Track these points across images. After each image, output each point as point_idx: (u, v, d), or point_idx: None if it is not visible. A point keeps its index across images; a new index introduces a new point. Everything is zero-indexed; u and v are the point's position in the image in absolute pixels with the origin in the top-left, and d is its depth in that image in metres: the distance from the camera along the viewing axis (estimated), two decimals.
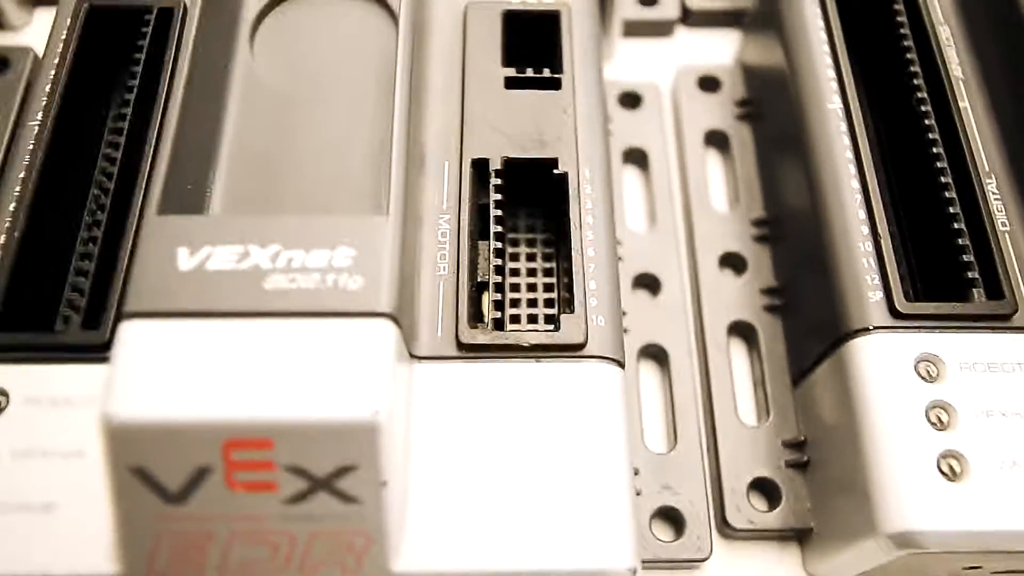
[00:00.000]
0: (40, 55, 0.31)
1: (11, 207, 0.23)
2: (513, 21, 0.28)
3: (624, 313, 0.26)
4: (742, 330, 0.29)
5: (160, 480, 0.17)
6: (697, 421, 0.27)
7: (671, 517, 0.25)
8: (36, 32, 0.35)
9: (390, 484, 0.18)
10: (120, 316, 0.20)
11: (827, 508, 0.24)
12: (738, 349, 0.29)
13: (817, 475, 0.25)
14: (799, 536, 0.25)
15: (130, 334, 0.18)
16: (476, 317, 0.22)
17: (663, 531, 0.25)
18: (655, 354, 0.28)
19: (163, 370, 0.18)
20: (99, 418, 0.17)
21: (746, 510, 0.25)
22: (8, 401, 0.20)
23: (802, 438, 0.26)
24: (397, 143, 0.23)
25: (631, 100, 0.33)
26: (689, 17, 0.36)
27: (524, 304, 0.24)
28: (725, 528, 0.25)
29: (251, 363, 0.18)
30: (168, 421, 0.17)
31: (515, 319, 0.24)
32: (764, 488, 0.25)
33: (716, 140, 0.32)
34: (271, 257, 0.19)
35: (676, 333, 0.29)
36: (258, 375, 0.18)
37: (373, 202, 0.23)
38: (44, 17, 0.35)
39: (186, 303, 0.19)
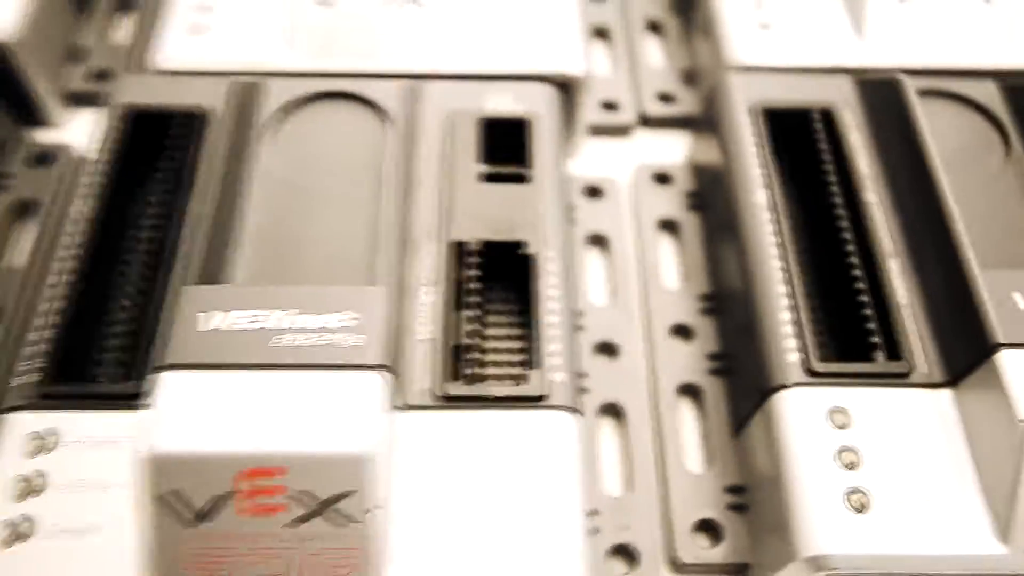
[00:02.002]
0: (79, 151, 0.33)
1: (61, 281, 0.25)
2: (490, 126, 0.30)
3: (586, 375, 0.29)
4: (691, 390, 0.30)
5: (190, 502, 0.19)
6: (651, 468, 0.28)
7: (627, 553, 0.26)
8: (75, 129, 0.36)
9: (379, 508, 0.20)
10: (152, 370, 0.22)
11: (761, 543, 0.26)
12: (687, 406, 0.30)
13: (753, 515, 0.26)
14: (739, 570, 0.26)
15: (167, 382, 0.20)
16: (454, 374, 0.24)
17: (619, 566, 0.26)
18: (615, 411, 0.30)
19: (194, 411, 0.20)
20: (139, 451, 0.19)
21: (693, 548, 0.26)
22: (58, 441, 0.22)
23: (741, 483, 0.27)
24: (388, 227, 0.26)
25: (594, 191, 0.35)
26: (646, 121, 0.37)
27: (495, 364, 0.26)
28: (675, 564, 0.26)
29: (270, 405, 0.20)
30: (199, 452, 0.19)
31: (486, 377, 0.25)
32: (709, 527, 0.27)
33: (669, 227, 0.34)
34: (285, 319, 0.22)
35: (632, 392, 0.30)
36: (277, 415, 0.20)
37: (368, 275, 0.25)
38: (83, 115, 0.36)
39: (215, 357, 0.21)
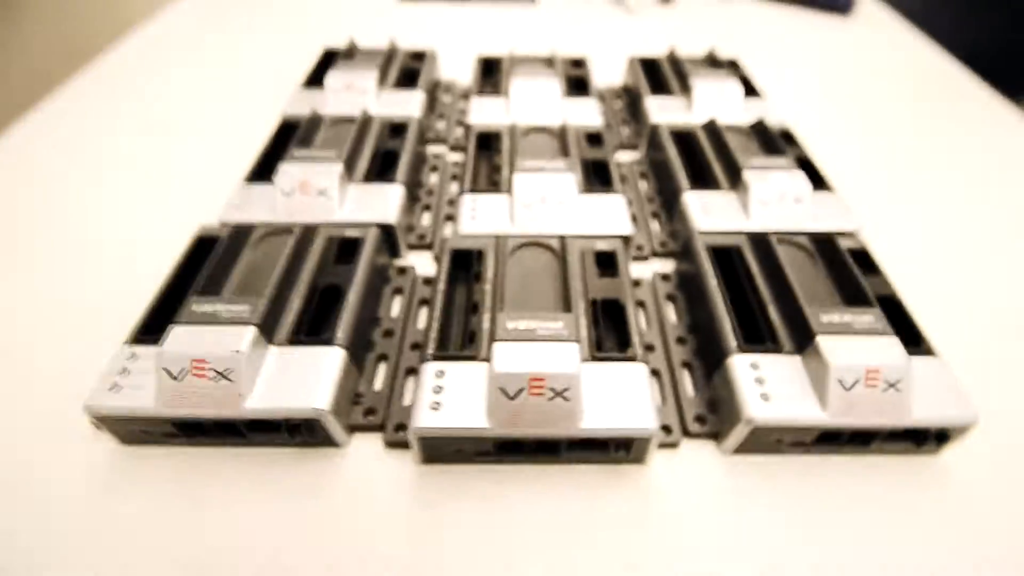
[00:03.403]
0: (416, 270, 0.36)
1: (435, 313, 0.31)
2: (597, 255, 0.33)
3: (648, 354, 0.30)
4: (687, 364, 0.31)
5: (508, 391, 0.25)
6: (671, 393, 0.30)
7: (665, 427, 0.28)
8: (414, 260, 0.38)
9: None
10: (488, 344, 0.27)
11: (725, 421, 0.28)
12: (687, 372, 0.31)
13: (720, 411, 0.28)
14: (715, 436, 0.29)
15: (498, 349, 0.26)
16: (598, 347, 0.28)
17: (662, 433, 0.28)
18: (656, 371, 0.31)
19: (506, 359, 0.27)
20: (493, 370, 0.25)
21: (694, 426, 0.29)
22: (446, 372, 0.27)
23: (713, 399, 0.29)
24: (568, 293, 0.29)
25: (636, 283, 0.36)
26: (656, 254, 0.39)
27: (611, 346, 0.31)
28: (686, 432, 0.29)
29: (554, 352, 0.26)
30: (518, 372, 0.25)
31: (608, 350, 0.30)
32: (700, 418, 0.29)
33: (671, 298, 0.35)
34: (535, 324, 0.28)
35: (660, 364, 0.32)
36: (553, 355, 0.26)
37: (563, 310, 0.29)
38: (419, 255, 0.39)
39: (515, 337, 0.26)
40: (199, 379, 0.26)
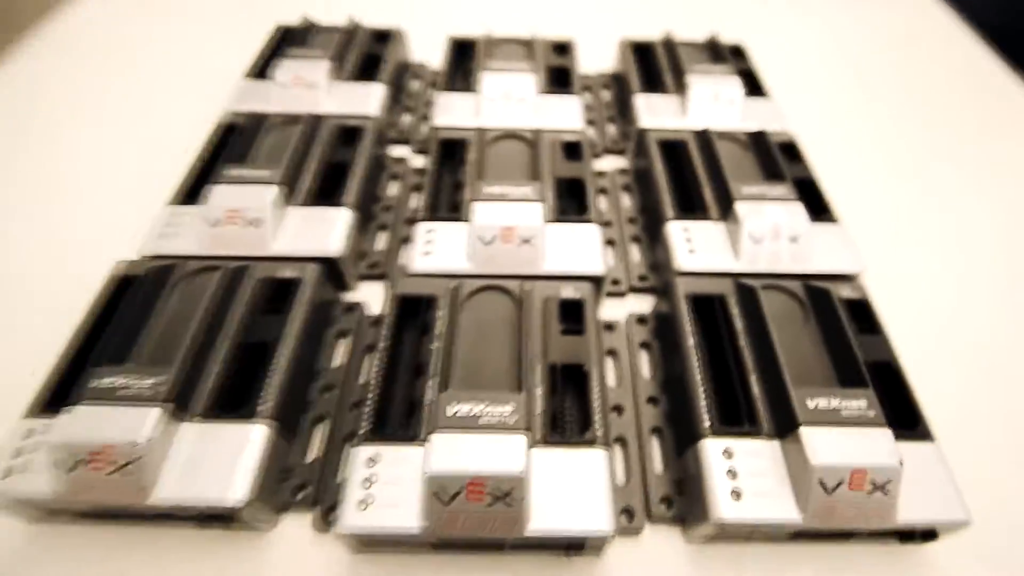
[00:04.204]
0: (367, 308, 0.33)
1: (374, 380, 0.27)
2: (563, 304, 0.30)
3: (609, 424, 0.27)
4: (657, 430, 0.30)
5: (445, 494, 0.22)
6: (637, 471, 0.28)
7: (628, 511, 0.27)
8: (364, 293, 0.35)
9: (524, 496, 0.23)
10: (427, 430, 0.24)
11: (692, 511, 0.26)
12: (655, 440, 0.29)
13: (688, 496, 0.27)
14: (682, 521, 0.27)
15: (434, 439, 0.23)
16: (552, 429, 0.26)
17: (624, 518, 0.27)
18: (622, 440, 0.29)
19: (446, 449, 0.24)
20: (424, 469, 0.22)
21: (659, 509, 0.27)
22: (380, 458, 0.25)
23: (682, 478, 0.27)
24: (523, 355, 0.27)
25: (609, 326, 0.34)
26: (633, 289, 0.36)
27: (571, 424, 0.28)
28: (650, 517, 0.27)
29: (476, 448, 0.23)
30: (448, 472, 0.22)
31: (566, 431, 0.27)
32: (667, 500, 0.28)
33: (645, 345, 0.33)
34: (483, 408, 0.24)
35: (629, 432, 0.29)
36: (477, 452, 0.23)
37: (514, 383, 0.26)
38: (370, 286, 0.36)
39: (456, 426, 0.24)
40: (96, 472, 0.23)
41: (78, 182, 0.41)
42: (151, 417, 0.24)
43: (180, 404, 0.25)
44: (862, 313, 0.31)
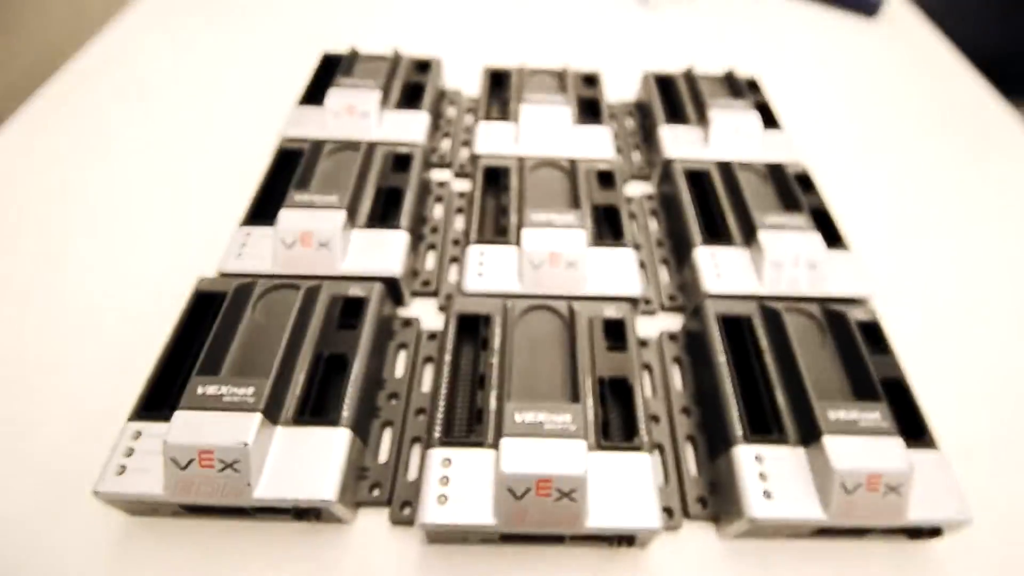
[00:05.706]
0: (422, 322, 0.35)
1: (441, 388, 0.29)
2: (606, 323, 0.32)
3: (651, 432, 0.29)
4: (691, 439, 0.31)
5: (516, 490, 0.25)
6: (674, 474, 0.30)
7: (667, 511, 0.29)
8: (417, 309, 0.37)
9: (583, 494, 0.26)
10: (496, 435, 0.27)
11: (725, 509, 0.28)
12: (690, 447, 0.31)
13: (720, 495, 0.29)
14: (716, 518, 0.29)
15: (505, 444, 0.26)
16: (605, 435, 0.29)
17: (664, 517, 0.28)
18: (661, 448, 0.31)
19: (518, 451, 0.26)
20: (500, 467, 0.25)
21: (695, 507, 0.29)
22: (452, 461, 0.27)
23: (714, 481, 0.29)
24: (575, 371, 0.29)
25: (643, 343, 0.35)
26: (663, 307, 0.38)
27: (619, 432, 0.30)
28: (687, 515, 0.29)
29: (549, 450, 0.26)
30: (518, 472, 0.25)
31: (613, 437, 0.30)
32: (702, 500, 0.30)
33: (677, 361, 0.35)
34: (542, 416, 0.27)
35: (666, 440, 0.32)
36: (554, 455, 0.26)
37: (569, 394, 0.28)
38: (422, 302, 0.37)
39: (521, 432, 0.26)
40: (206, 469, 0.26)
41: (151, 202, 0.44)
42: (253, 422, 0.27)
43: (274, 410, 0.28)
44: (873, 334, 0.33)
